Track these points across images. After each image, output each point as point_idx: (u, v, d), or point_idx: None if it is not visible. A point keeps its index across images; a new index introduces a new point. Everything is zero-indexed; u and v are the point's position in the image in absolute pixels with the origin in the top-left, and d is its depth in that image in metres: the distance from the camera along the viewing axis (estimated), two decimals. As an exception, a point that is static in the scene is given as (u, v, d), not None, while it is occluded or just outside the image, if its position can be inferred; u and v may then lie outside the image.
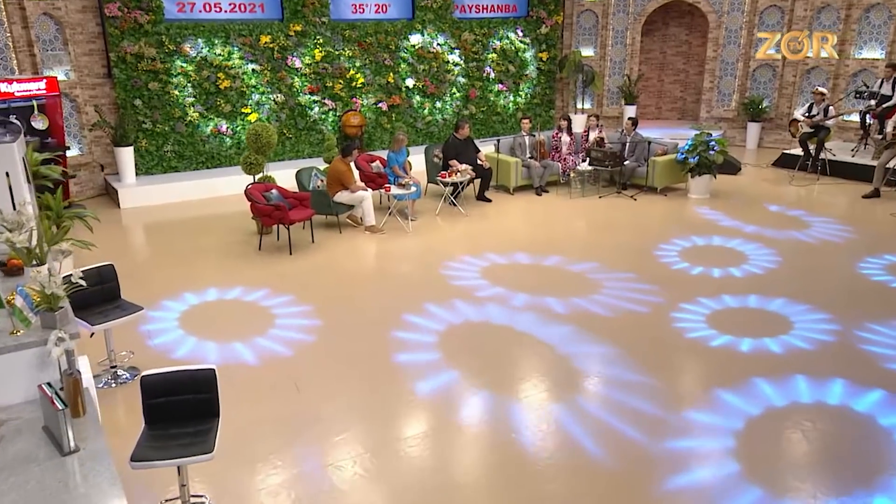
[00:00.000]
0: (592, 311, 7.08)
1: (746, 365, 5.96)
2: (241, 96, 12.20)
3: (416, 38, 13.80)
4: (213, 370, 4.09)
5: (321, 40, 12.74)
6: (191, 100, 11.76)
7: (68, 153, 10.81)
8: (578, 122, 14.57)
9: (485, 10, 14.81)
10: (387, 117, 13.77)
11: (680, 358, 6.19)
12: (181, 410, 4.06)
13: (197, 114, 11.86)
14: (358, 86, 13.29)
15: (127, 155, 11.17)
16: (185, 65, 11.59)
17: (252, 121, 12.33)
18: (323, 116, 13.12)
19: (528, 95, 15.63)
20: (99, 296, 5.67)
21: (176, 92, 11.61)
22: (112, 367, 5.78)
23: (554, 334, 6.56)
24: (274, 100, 12.51)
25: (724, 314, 7.00)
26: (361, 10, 13.35)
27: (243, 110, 12.24)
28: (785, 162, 13.15)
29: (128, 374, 5.81)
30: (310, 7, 12.49)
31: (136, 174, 11.53)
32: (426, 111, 14.27)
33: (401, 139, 10.23)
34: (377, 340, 6.47)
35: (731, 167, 12.71)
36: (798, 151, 12.75)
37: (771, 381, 5.66)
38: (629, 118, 11.78)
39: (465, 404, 5.43)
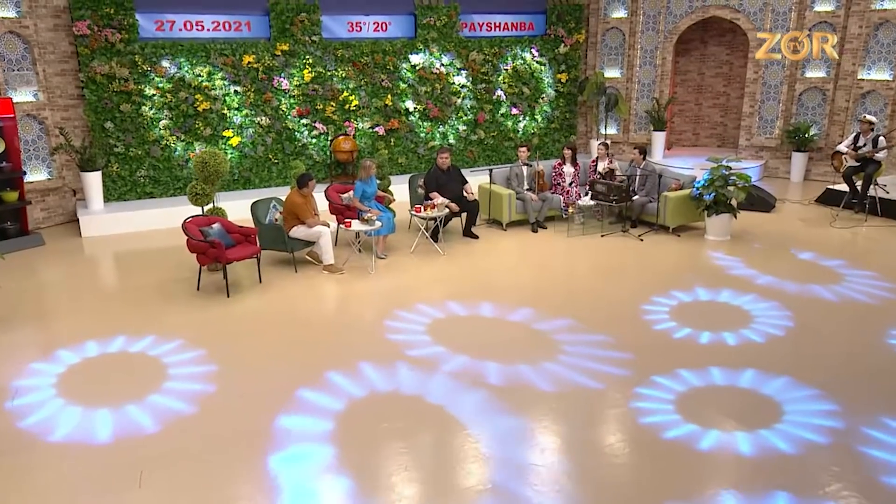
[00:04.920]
0: (559, 387, 5.82)
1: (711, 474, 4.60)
2: (222, 119, 11.48)
3: (417, 58, 12.81)
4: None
5: (311, 60, 11.92)
6: (166, 122, 11.09)
7: (33, 178, 10.31)
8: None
9: (497, 29, 13.71)
10: (384, 142, 12.81)
11: (626, 467, 4.88)
12: None
13: (173, 137, 11.20)
14: (352, 108, 12.39)
15: (94, 180, 10.55)
16: (160, 86, 10.95)
17: (234, 145, 11.61)
18: (314, 141, 12.28)
19: (546, 120, 14.40)
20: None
21: (150, 114, 10.97)
22: (-62, 440, 4.94)
23: (491, 428, 5.20)
24: (259, 123, 11.74)
25: (694, 397, 5.63)
26: (358, 29, 12.47)
27: (224, 133, 11.51)
28: (829, 199, 11.45)
29: (-42, 448, 4.96)
30: (299, 26, 11.70)
31: (109, 200, 10.93)
32: (429, 136, 13.23)
33: (368, 166, 9.14)
34: (268, 411, 5.41)
35: (763, 203, 11.13)
36: (844, 187, 11.08)
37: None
38: (636, 147, 10.36)
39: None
